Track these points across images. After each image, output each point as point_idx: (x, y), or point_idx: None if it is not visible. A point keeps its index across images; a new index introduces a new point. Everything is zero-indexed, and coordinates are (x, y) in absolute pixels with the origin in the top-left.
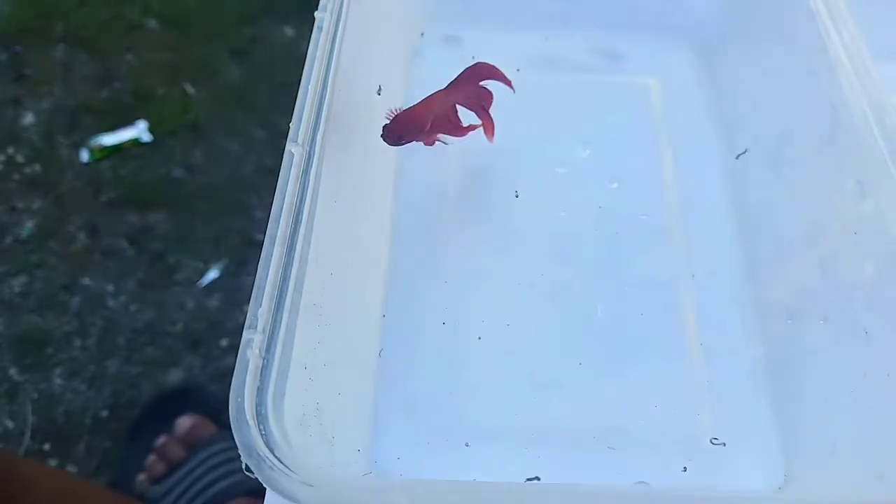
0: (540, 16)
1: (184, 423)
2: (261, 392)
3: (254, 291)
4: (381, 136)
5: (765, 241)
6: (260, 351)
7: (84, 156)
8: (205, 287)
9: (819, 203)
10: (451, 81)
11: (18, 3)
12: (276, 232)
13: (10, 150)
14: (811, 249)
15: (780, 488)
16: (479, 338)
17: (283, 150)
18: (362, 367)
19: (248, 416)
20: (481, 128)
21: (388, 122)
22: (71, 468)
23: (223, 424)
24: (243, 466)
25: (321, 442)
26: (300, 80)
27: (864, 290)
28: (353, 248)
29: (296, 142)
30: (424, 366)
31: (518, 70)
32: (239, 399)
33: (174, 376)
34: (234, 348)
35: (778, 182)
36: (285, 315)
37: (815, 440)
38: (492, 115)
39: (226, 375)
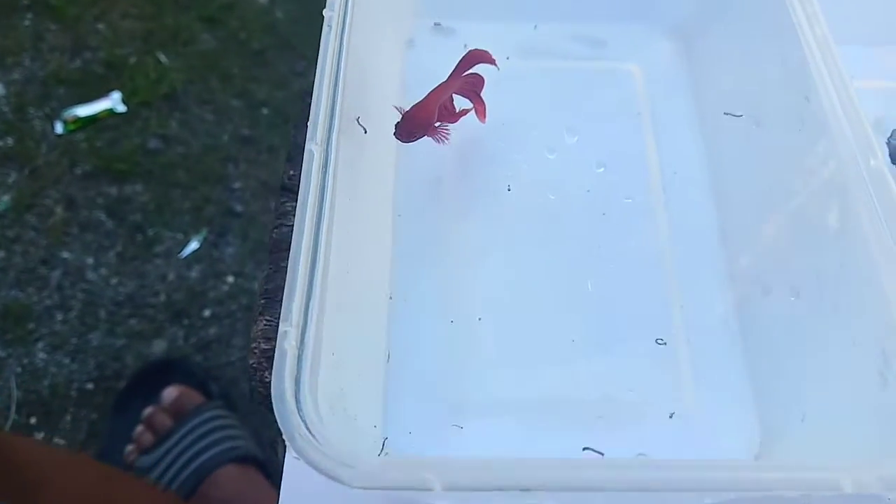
0: (529, 6)
1: (170, 393)
2: (298, 381)
3: (286, 287)
4: (394, 134)
5: (741, 218)
6: (296, 342)
7: (58, 128)
8: (185, 258)
9: (790, 182)
10: (450, 73)
11: None
12: (303, 232)
13: None
14: (783, 226)
15: (756, 456)
16: (479, 319)
17: (259, 118)
18: (374, 350)
19: (289, 404)
20: (472, 111)
21: (398, 120)
22: (58, 441)
23: (209, 394)
24: (287, 449)
25: (347, 422)
26: (315, 78)
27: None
28: (364, 241)
29: (315, 141)
30: (429, 346)
31: (508, 58)
32: (280, 388)
33: (158, 348)
34: (216, 318)
35: (752, 162)
36: (315, 308)
37: (788, 409)
38: (483, 97)
39: (210, 345)
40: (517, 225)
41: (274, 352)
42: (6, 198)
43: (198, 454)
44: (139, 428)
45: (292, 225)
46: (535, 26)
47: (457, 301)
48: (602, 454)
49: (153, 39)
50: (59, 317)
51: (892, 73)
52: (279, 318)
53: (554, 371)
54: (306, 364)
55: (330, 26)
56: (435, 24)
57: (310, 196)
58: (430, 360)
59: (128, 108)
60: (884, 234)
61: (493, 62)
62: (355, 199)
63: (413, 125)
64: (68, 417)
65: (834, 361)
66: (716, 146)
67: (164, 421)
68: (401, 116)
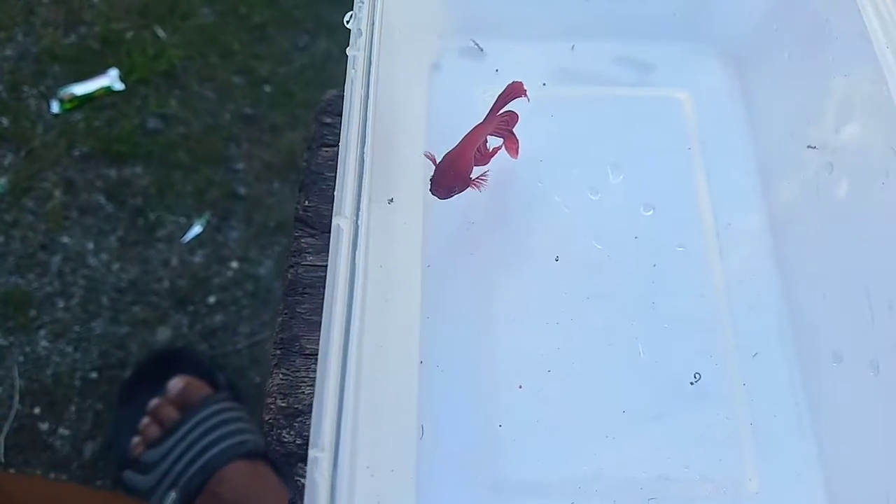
0: (565, 24)
1: (176, 384)
2: None
3: (315, 404)
4: (430, 190)
5: (807, 275)
6: (328, 471)
7: (54, 107)
8: (188, 243)
9: (871, 247)
10: (489, 111)
11: None
12: (332, 321)
13: None
14: (860, 290)
15: None
16: (520, 386)
17: (262, 95)
18: (407, 433)
19: None
20: (503, 147)
21: (433, 175)
22: (63, 431)
23: (215, 384)
24: None
25: None
26: (342, 101)
27: None
28: (392, 310)
29: (343, 215)
30: (466, 421)
31: (544, 84)
32: None
33: (162, 335)
34: (221, 305)
35: (818, 212)
36: (348, 424)
37: (861, 493)
38: (515, 133)
39: (216, 333)
40: (560, 279)
41: (291, 409)
42: (3, 181)
43: (205, 449)
44: (145, 420)
45: (308, 264)
46: (573, 46)
47: (494, 366)
48: None
49: (150, 13)
50: (61, 304)
51: None
52: (295, 370)
53: (602, 446)
54: (342, 489)
55: (355, 69)
56: (471, 42)
57: (338, 288)
58: (466, 434)
59: (125, 85)
60: None
61: (526, 95)
62: (387, 266)
63: (451, 180)
64: (73, 407)
65: None
66: (774, 188)
67: (171, 413)
68: (434, 169)
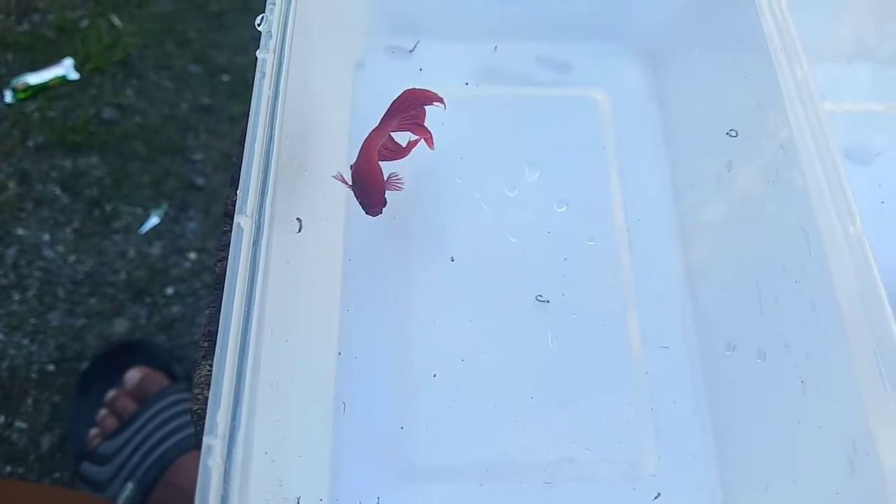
0: (489, 25)
1: (133, 375)
2: (225, 498)
3: (211, 393)
4: (367, 213)
5: (708, 269)
6: (221, 457)
7: (7, 96)
8: (145, 234)
9: (763, 243)
10: (383, 116)
11: None
12: (231, 320)
13: None
14: (752, 284)
15: None
16: (435, 375)
17: (219, 85)
18: (321, 420)
19: None
20: (422, 140)
21: (359, 200)
22: (20, 424)
23: (173, 375)
24: None
25: None
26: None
27: (800, 339)
28: (307, 303)
29: (244, 213)
30: (381, 409)
31: (466, 84)
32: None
33: (120, 327)
34: (179, 296)
35: (722, 208)
36: (244, 409)
37: (753, 475)
38: (427, 126)
39: (174, 324)
40: (476, 272)
41: None
42: None
43: (162, 440)
44: (102, 412)
45: None
46: (496, 47)
47: (410, 356)
48: None
49: (105, 1)
50: (17, 296)
51: (870, 92)
52: None
53: (510, 431)
54: (234, 475)
55: (264, 72)
56: (397, 41)
57: (238, 278)
58: (381, 421)
59: (80, 75)
60: (859, 314)
61: (438, 99)
62: (296, 267)
63: (376, 195)
64: (30, 400)
65: (801, 439)
66: (683, 187)
67: (128, 405)
68: (355, 193)
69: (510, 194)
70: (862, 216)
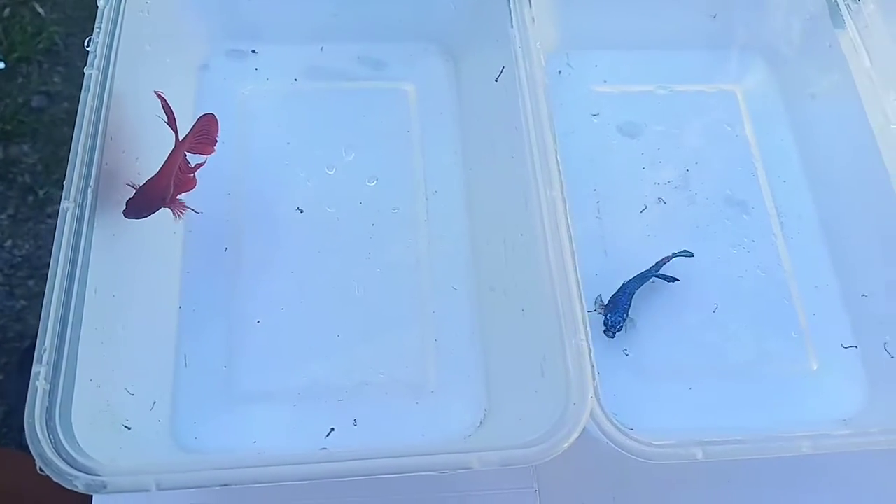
0: (316, 29)
1: None
2: (49, 410)
3: (39, 334)
4: (123, 212)
5: (482, 226)
6: (46, 379)
7: None
8: None
9: (506, 207)
10: (180, 140)
11: None
12: (55, 280)
13: None
14: (500, 238)
15: (480, 423)
16: (258, 322)
17: None
18: (156, 359)
19: (38, 432)
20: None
21: (130, 196)
22: None
23: None
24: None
25: (114, 431)
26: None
27: (523, 278)
28: (142, 263)
29: (68, 199)
30: (214, 350)
31: (296, 80)
32: (31, 420)
33: None
34: None
35: (494, 180)
36: (67, 344)
37: (507, 387)
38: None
39: None
40: (299, 236)
41: None
42: None
43: None
44: None
45: None
46: (322, 48)
47: (239, 307)
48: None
49: None
50: None
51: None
52: None
53: (319, 363)
54: (57, 394)
55: (88, 86)
56: (236, 45)
57: (62, 250)
58: (214, 360)
59: (6, 64)
60: (554, 261)
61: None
62: (125, 239)
63: (143, 203)
64: None
65: (524, 354)
66: (470, 164)
67: None
68: (133, 193)
69: (329, 172)
70: (623, 183)
